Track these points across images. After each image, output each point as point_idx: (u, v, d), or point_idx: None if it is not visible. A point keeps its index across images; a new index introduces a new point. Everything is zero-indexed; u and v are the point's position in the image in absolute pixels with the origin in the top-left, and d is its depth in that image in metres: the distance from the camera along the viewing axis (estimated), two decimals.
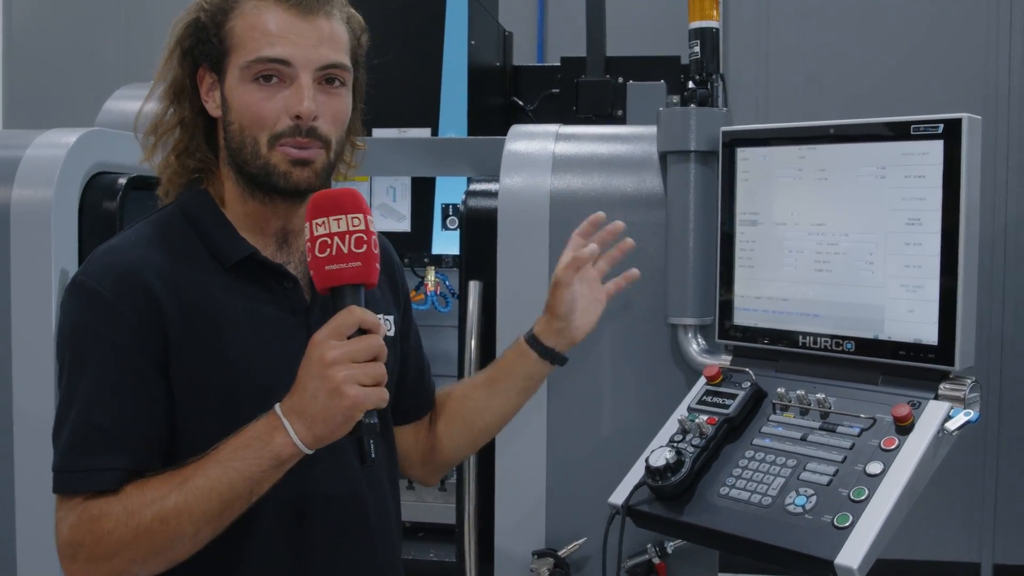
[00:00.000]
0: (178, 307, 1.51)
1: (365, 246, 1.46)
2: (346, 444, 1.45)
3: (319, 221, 1.46)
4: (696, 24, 2.20)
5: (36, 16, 6.18)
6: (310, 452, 1.42)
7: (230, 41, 1.57)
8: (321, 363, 1.39)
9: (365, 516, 1.67)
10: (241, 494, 1.41)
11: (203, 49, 1.59)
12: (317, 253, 1.45)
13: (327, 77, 1.57)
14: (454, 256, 3.17)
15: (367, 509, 1.67)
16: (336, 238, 1.45)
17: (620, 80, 3.45)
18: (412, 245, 3.24)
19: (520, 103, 3.67)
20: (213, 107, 1.61)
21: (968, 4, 5.23)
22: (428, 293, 3.22)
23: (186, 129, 1.64)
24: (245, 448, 1.41)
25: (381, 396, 1.42)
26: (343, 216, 1.45)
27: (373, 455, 1.44)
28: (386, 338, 1.62)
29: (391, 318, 1.77)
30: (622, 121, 3.37)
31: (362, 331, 1.43)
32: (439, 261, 3.21)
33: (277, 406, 1.42)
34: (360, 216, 1.46)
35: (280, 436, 1.40)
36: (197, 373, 1.52)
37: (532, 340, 1.81)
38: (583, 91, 3.46)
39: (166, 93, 1.65)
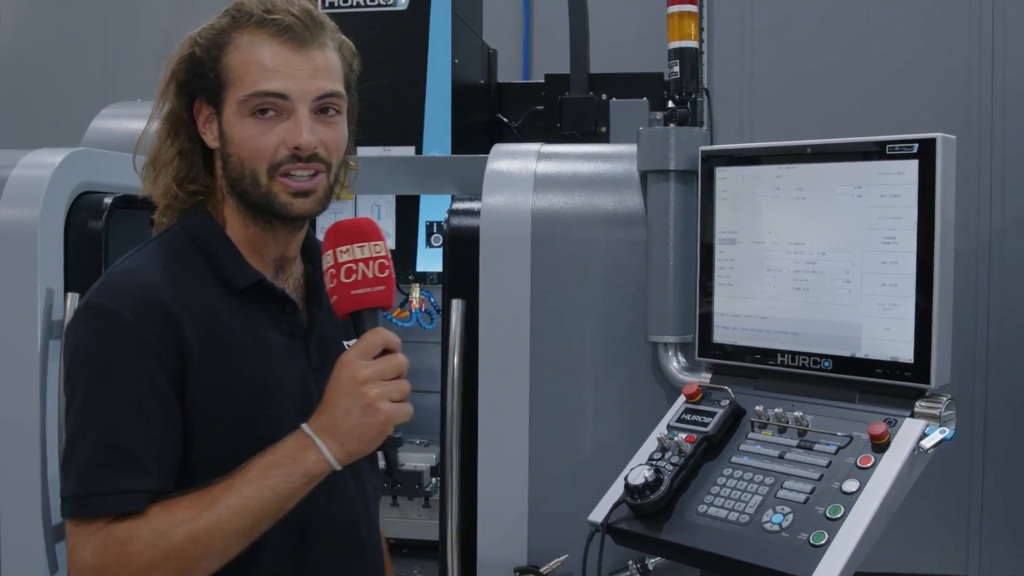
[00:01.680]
0: (196, 331, 1.53)
1: (387, 271, 1.54)
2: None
3: (343, 248, 1.51)
4: (675, 44, 2.22)
5: (21, 35, 6.18)
6: (339, 469, 1.47)
7: (227, 76, 1.59)
8: (354, 381, 1.46)
9: (358, 531, 1.72)
10: (271, 512, 1.46)
11: (199, 83, 1.62)
12: (343, 279, 1.51)
13: (323, 107, 1.61)
14: (439, 273, 3.18)
15: (360, 524, 1.73)
16: (361, 264, 1.51)
17: (604, 97, 3.47)
18: (397, 262, 3.19)
19: (505, 120, 3.69)
20: (211, 139, 1.63)
21: (951, 19, 5.26)
22: (413, 310, 3.24)
23: (185, 159, 1.66)
24: (276, 467, 1.45)
25: (408, 411, 1.49)
26: (366, 243, 1.52)
27: (401, 466, 1.50)
28: None
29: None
30: (606, 138, 3.39)
31: (385, 351, 1.49)
32: (423, 278, 3.22)
33: (304, 426, 1.47)
34: (381, 243, 1.54)
35: (312, 454, 1.45)
36: (212, 397, 1.53)
37: None
38: (567, 108, 3.48)
39: (164, 125, 1.66)
